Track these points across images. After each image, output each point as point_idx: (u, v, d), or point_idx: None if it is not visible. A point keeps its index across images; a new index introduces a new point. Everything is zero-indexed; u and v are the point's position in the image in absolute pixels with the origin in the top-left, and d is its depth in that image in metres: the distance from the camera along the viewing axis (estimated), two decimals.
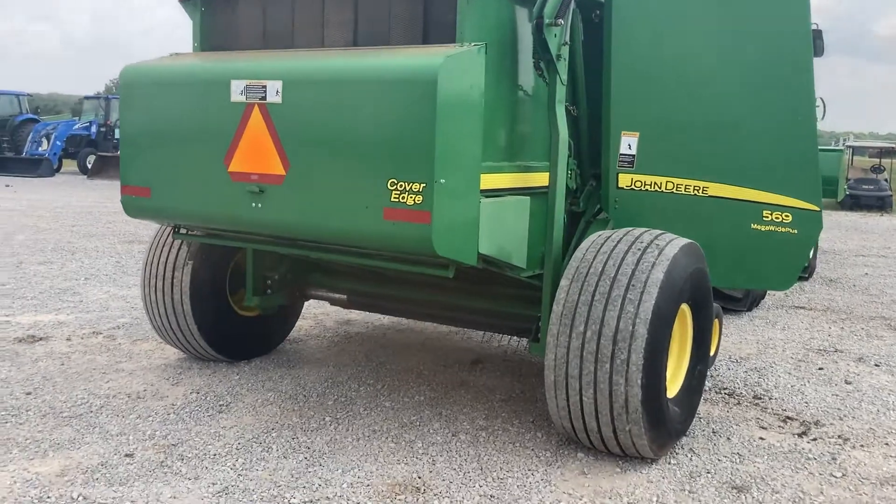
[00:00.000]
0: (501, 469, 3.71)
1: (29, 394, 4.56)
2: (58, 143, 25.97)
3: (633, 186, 4.43)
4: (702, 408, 4.58)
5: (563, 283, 3.75)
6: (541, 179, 4.05)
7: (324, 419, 4.28)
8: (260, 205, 3.71)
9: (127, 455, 3.75)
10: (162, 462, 3.69)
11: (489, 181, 3.64)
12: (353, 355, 5.53)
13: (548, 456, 3.88)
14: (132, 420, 4.20)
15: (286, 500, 3.34)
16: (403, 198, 3.29)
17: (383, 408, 4.48)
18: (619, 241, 3.79)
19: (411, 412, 4.42)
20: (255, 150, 3.68)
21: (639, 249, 3.71)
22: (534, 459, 3.83)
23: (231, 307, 5.20)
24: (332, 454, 3.83)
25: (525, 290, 4.50)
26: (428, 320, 5.19)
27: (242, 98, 3.67)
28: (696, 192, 4.41)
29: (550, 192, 4.02)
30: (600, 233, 3.98)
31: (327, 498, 3.37)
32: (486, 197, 3.60)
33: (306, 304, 7.13)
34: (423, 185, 3.25)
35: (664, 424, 3.74)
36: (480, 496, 3.44)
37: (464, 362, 5.44)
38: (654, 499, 3.48)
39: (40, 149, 25.20)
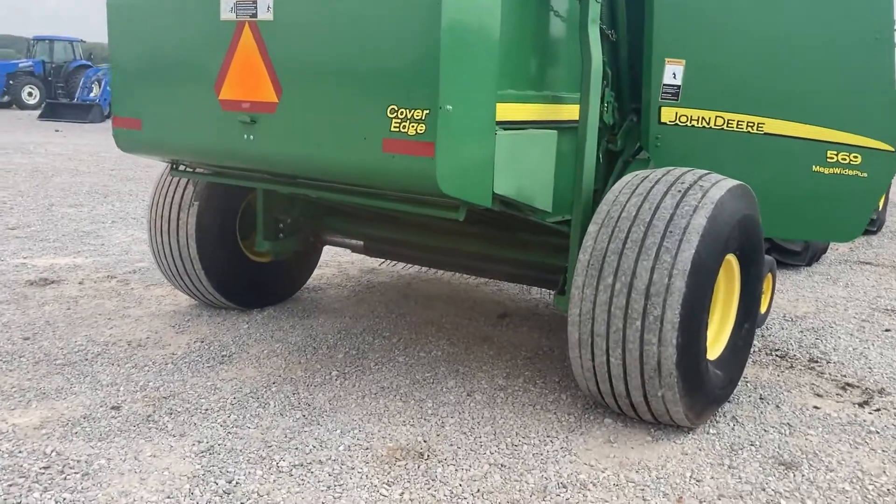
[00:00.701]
0: (517, 434, 3.33)
1: (27, 339, 4.33)
2: (108, 88, 26.03)
3: (677, 122, 3.92)
4: (749, 371, 4.12)
5: (592, 228, 3.31)
6: (572, 112, 3.59)
7: (330, 374, 3.95)
8: (252, 136, 3.33)
9: (113, 407, 3.48)
10: (149, 416, 3.40)
11: (508, 111, 3.20)
12: (373, 306, 5.19)
13: (570, 421, 3.48)
14: (127, 370, 3.93)
15: (274, 463, 3.03)
16: (404, 127, 2.87)
17: (396, 363, 4.12)
18: (656, 182, 3.32)
19: (425, 368, 4.06)
20: (246, 74, 3.29)
21: (679, 191, 3.24)
22: (554, 425, 3.44)
23: (242, 252, 4.88)
24: (332, 412, 3.49)
25: (553, 238, 4.07)
26: (449, 269, 4.79)
27: (232, 16, 3.27)
28: (749, 128, 3.89)
29: (581, 125, 3.55)
30: (636, 173, 3.51)
31: (319, 462, 3.05)
32: (504, 129, 3.16)
33: (332, 251, 6.83)
34: (426, 112, 2.82)
35: (703, 389, 3.31)
36: (490, 465, 3.07)
37: (489, 316, 5.05)
38: (688, 474, 3.07)
39: (91, 94, 25.28)
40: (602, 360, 3.23)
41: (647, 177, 3.39)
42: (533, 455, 3.16)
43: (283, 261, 5.02)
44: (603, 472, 3.06)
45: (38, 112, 25.24)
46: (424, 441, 3.25)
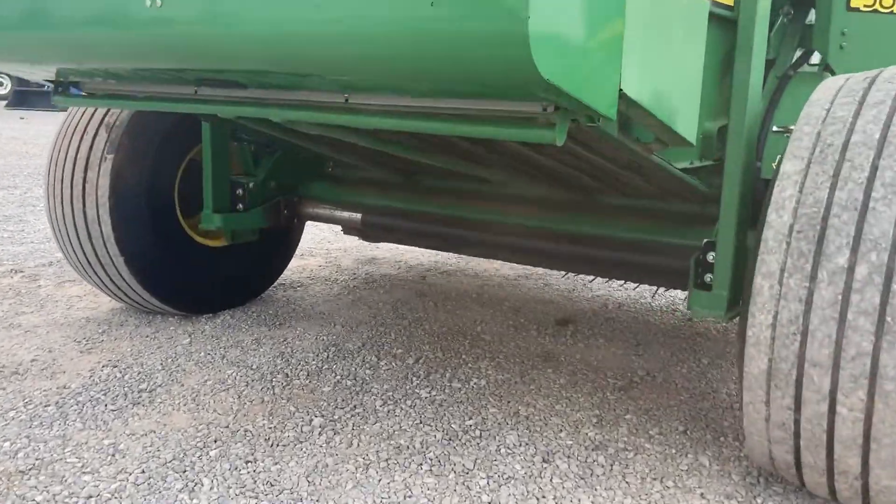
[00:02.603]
0: None
1: None
2: None
3: (877, 6, 2.40)
4: None
5: (789, 166, 1.79)
6: None
7: (310, 423, 2.42)
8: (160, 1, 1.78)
9: None
10: None
11: None
12: (375, 308, 3.65)
13: None
14: None
15: None
16: None
17: (417, 400, 2.59)
18: None
19: (464, 411, 2.52)
20: None
21: None
22: None
23: (184, 233, 3.34)
24: (310, 502, 1.96)
25: (676, 203, 2.56)
26: (494, 257, 3.25)
27: None
28: None
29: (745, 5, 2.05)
30: (842, 76, 1.99)
31: None
32: None
33: (316, 234, 5.31)
34: None
35: None
36: None
37: (544, 322, 3.52)
38: None
39: None
40: (819, 409, 1.71)
41: (879, 75, 1.88)
42: None
43: (245, 246, 3.48)
44: None
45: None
46: None
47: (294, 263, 4.47)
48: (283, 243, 3.75)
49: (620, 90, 1.59)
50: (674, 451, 2.28)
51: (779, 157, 2.06)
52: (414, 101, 1.70)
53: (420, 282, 4.19)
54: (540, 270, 4.46)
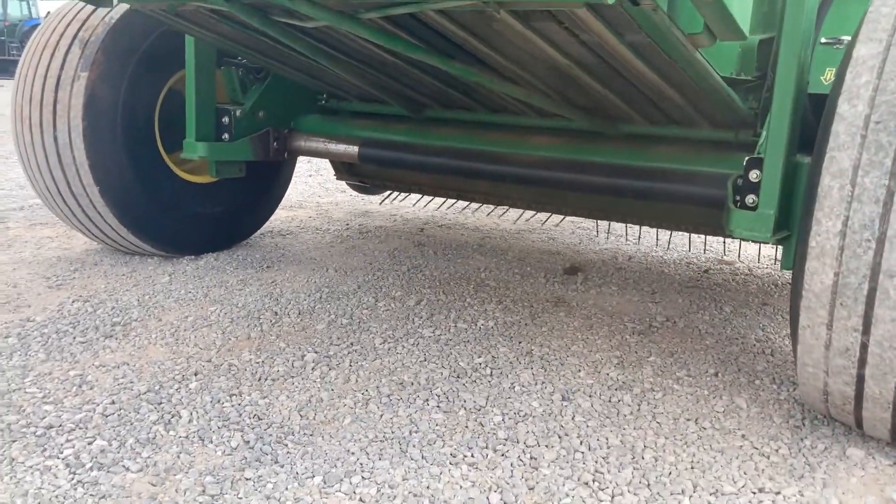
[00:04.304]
0: (696, 489, 1.58)
1: None
2: None
3: None
4: None
5: (866, 50, 1.56)
6: None
7: (302, 357, 2.17)
8: None
9: None
10: None
11: None
12: (370, 256, 3.40)
13: (786, 456, 1.73)
14: None
15: None
16: None
17: (420, 339, 2.35)
18: None
19: (473, 349, 2.29)
20: None
21: None
22: (760, 464, 1.69)
23: (165, 165, 3.08)
24: (304, 440, 1.72)
25: (700, 128, 2.33)
26: (507, 196, 2.99)
27: None
28: None
29: None
30: None
31: None
32: None
33: (304, 185, 5.07)
34: None
35: None
36: None
37: (552, 271, 3.28)
38: None
39: None
40: (889, 340, 1.49)
41: None
42: None
43: (230, 181, 3.23)
44: None
45: None
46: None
47: (282, 214, 4.22)
48: (272, 182, 3.49)
49: None
50: (706, 392, 2.06)
51: (828, 69, 1.85)
52: None
53: (417, 233, 3.94)
54: (544, 225, 4.22)
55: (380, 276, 3.05)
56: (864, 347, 1.55)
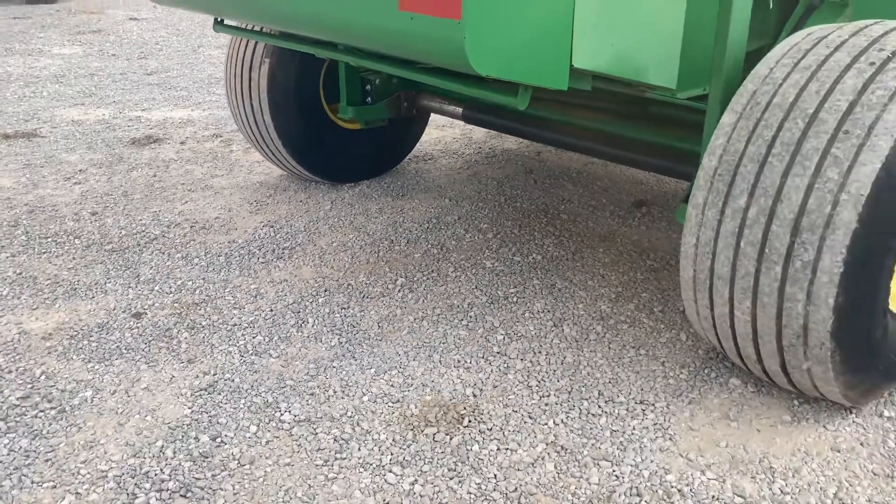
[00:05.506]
0: (599, 396, 2.49)
1: (94, 214, 3.96)
2: None
3: None
4: None
5: (727, 118, 2.23)
6: None
7: (395, 281, 3.24)
8: None
9: (135, 315, 3.01)
10: (167, 331, 2.90)
11: None
12: (483, 183, 4.34)
13: (680, 379, 2.57)
14: (174, 262, 3.44)
15: (276, 415, 2.42)
16: None
17: (480, 269, 3.33)
18: (837, 47, 2.15)
19: (514, 280, 3.23)
20: None
21: (871, 64, 2.06)
22: (656, 383, 2.55)
23: (328, 118, 4.17)
24: (377, 340, 2.81)
25: (692, 114, 2.99)
26: (561, 147, 3.80)
27: None
28: None
29: None
30: (812, 30, 2.32)
31: (331, 418, 2.40)
32: None
33: None
34: None
35: (875, 362, 2.26)
36: (546, 445, 2.27)
37: (622, 203, 4.05)
38: (832, 489, 2.11)
39: None
40: (724, 311, 2.26)
41: (826, 37, 2.21)
42: (611, 433, 2.32)
43: (378, 129, 4.26)
44: (704, 473, 2.17)
45: None
46: (473, 396, 2.49)
47: (433, 135, 5.21)
48: (408, 130, 4.50)
49: (571, 66, 2.12)
50: (662, 326, 2.88)
51: None
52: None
53: (535, 157, 4.79)
54: None
55: (480, 206, 4.00)
56: (712, 318, 2.33)
